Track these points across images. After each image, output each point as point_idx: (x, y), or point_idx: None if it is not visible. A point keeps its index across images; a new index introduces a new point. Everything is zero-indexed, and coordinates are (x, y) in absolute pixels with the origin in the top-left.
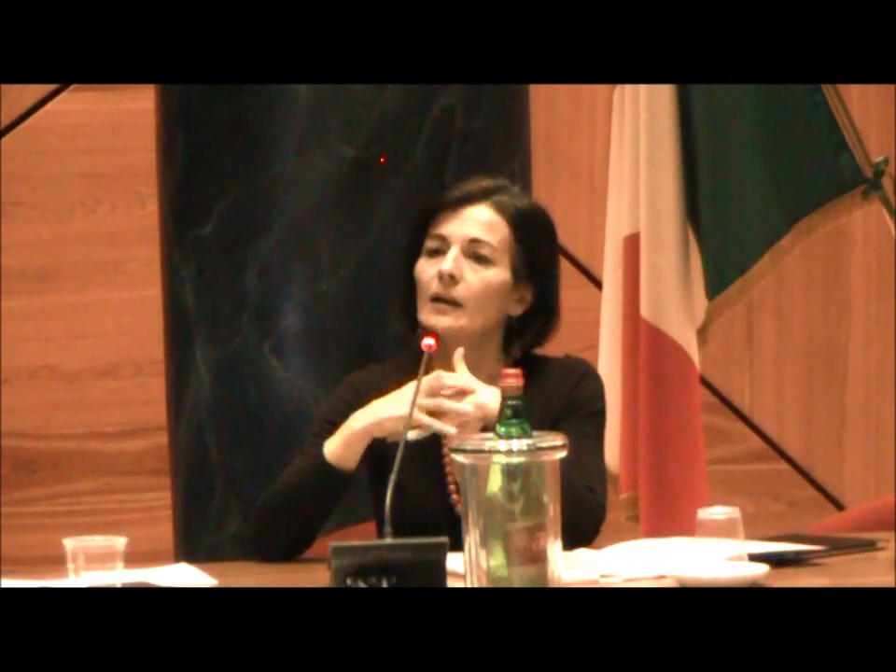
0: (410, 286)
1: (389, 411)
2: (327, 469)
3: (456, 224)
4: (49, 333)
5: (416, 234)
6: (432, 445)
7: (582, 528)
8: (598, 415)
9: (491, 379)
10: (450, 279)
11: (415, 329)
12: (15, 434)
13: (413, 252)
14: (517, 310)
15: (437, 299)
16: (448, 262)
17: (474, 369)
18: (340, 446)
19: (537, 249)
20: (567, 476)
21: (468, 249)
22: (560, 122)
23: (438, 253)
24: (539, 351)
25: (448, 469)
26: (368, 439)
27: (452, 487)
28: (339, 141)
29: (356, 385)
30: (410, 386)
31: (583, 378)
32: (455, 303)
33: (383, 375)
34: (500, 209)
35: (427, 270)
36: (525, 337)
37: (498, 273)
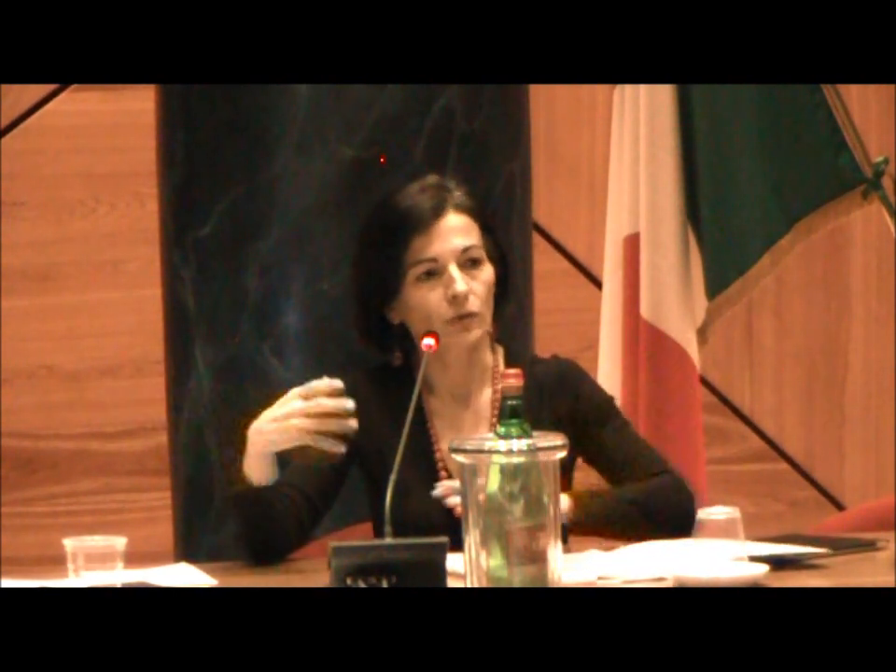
0: (383, 325)
1: (269, 428)
2: (246, 492)
3: (440, 241)
4: (49, 333)
5: (391, 266)
6: (425, 448)
7: (686, 507)
8: (613, 404)
9: (484, 372)
10: (464, 297)
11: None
12: (15, 434)
13: (388, 288)
14: (496, 289)
15: (454, 319)
16: (460, 283)
17: (472, 365)
18: (249, 467)
19: (492, 226)
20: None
21: (462, 259)
22: (560, 122)
23: (431, 275)
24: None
25: (442, 473)
26: (266, 458)
27: None
28: (339, 141)
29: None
30: (291, 395)
31: (576, 380)
32: (472, 315)
33: (369, 382)
34: (462, 208)
35: (427, 295)
36: (502, 309)
37: (487, 268)
